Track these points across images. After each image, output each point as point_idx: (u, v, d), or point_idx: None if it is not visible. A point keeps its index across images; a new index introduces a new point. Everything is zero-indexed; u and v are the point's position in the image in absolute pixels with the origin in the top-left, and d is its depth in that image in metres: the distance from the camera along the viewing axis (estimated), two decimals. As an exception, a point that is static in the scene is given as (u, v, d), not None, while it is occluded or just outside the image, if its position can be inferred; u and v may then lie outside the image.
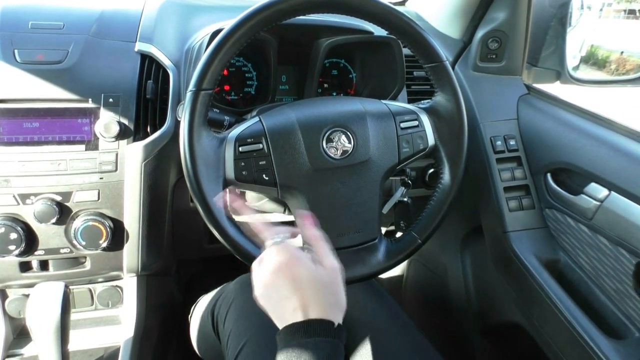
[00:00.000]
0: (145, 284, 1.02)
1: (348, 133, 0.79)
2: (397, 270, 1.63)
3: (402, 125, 0.83)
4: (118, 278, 1.00)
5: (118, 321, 1.03)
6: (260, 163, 0.76)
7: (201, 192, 0.72)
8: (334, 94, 1.14)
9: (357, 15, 0.79)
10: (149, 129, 0.90)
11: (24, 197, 0.84)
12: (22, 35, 0.87)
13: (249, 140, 0.76)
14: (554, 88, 1.17)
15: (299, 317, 0.57)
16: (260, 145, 0.76)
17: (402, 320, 0.88)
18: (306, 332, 0.56)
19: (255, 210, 1.01)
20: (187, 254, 1.20)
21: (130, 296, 1.01)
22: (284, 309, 0.59)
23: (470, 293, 1.27)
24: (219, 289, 0.97)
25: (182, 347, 1.24)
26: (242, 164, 0.75)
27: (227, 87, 1.05)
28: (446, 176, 0.85)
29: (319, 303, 0.58)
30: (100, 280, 0.99)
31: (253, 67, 1.06)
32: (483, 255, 1.19)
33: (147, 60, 0.92)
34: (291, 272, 0.59)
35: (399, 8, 0.79)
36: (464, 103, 0.83)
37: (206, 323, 0.94)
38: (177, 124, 0.91)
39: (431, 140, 0.85)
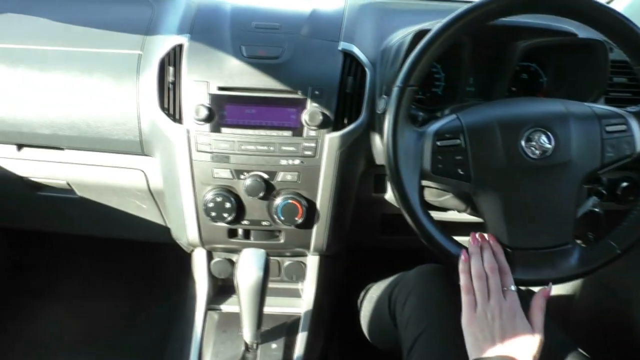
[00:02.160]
0: (325, 264, 1.11)
1: (549, 133, 0.78)
2: (563, 288, 1.52)
3: (608, 129, 0.80)
4: (302, 255, 1.10)
5: (298, 294, 1.13)
6: (456, 158, 0.78)
7: (400, 182, 0.77)
8: None
9: (567, 15, 0.77)
10: (345, 121, 0.98)
11: (238, 173, 0.97)
12: (247, 34, 1.01)
13: (447, 135, 0.79)
14: None
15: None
16: (458, 141, 0.79)
17: (569, 348, 0.84)
18: None
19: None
20: (359, 242, 1.27)
21: (312, 273, 1.11)
22: (488, 346, 0.70)
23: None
24: (394, 277, 1.02)
25: (345, 329, 1.31)
26: (439, 157, 0.78)
27: None
28: None
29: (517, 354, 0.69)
30: (287, 254, 1.11)
31: (442, 68, 1.09)
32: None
33: (348, 58, 1.01)
34: (513, 321, 0.72)
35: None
36: None
37: (382, 307, 0.99)
38: (371, 116, 0.98)
39: None
